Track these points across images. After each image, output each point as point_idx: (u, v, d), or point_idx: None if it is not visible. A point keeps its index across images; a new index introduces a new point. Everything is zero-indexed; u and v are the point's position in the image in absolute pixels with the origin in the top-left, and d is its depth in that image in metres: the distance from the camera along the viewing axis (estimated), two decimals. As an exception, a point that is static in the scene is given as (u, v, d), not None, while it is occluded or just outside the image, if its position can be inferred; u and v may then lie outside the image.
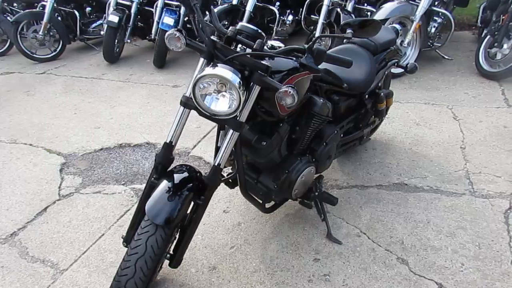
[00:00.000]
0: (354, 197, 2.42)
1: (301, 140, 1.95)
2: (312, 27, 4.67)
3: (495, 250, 1.99)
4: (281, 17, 5.08)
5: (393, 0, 4.06)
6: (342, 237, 2.12)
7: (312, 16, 4.74)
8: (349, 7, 4.39)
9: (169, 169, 1.63)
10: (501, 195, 2.37)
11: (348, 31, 1.52)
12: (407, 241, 2.08)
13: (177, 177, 1.56)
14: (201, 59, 1.56)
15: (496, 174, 2.56)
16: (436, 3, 4.23)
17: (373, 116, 2.54)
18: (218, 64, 1.44)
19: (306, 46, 1.57)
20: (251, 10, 4.60)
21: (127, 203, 2.43)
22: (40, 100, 4.03)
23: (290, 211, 2.32)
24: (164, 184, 1.52)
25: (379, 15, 3.90)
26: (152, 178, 1.62)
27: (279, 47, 1.64)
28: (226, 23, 4.67)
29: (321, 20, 4.24)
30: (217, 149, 1.83)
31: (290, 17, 5.18)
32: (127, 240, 1.73)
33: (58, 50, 5.23)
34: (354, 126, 2.45)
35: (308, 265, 1.97)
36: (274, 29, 5.00)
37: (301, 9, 4.91)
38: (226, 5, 4.65)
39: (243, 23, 1.54)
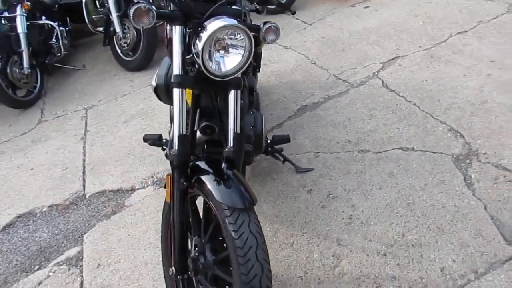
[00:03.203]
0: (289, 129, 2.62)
1: (248, 93, 1.97)
2: (100, 28, 4.36)
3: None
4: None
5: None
6: (307, 163, 2.31)
7: (94, 17, 4.41)
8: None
9: (191, 163, 1.44)
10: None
11: None
12: (350, 137, 2.44)
13: (209, 164, 1.41)
14: (177, 29, 1.38)
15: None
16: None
17: None
18: (213, 19, 1.31)
19: None
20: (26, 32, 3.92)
21: None
22: None
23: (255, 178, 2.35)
24: (209, 178, 1.35)
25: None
26: (182, 182, 1.40)
27: None
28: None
29: (114, 13, 4.00)
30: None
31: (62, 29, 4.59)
32: (181, 269, 1.45)
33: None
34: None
35: (303, 197, 2.11)
36: (61, 45, 4.40)
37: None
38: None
39: None
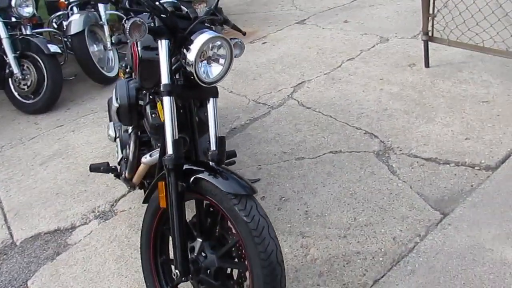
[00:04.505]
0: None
1: None
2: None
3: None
4: None
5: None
6: (253, 176, 2.50)
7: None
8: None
9: (185, 167, 1.50)
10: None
11: None
12: (284, 149, 2.71)
13: (200, 165, 1.51)
14: (163, 42, 1.48)
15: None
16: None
17: None
18: (198, 33, 1.46)
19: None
20: None
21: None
22: None
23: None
24: (207, 175, 1.45)
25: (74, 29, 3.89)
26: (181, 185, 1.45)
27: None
28: None
29: (11, 54, 3.73)
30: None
31: None
32: (185, 271, 1.47)
33: None
34: None
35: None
36: None
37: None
38: None
39: None
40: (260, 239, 1.33)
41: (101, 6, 4.13)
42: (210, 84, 1.53)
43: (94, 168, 2.27)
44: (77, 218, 2.46)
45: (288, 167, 2.53)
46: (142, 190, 2.26)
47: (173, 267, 1.52)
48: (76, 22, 3.87)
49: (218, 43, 1.49)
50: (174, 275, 1.48)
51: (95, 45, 4.19)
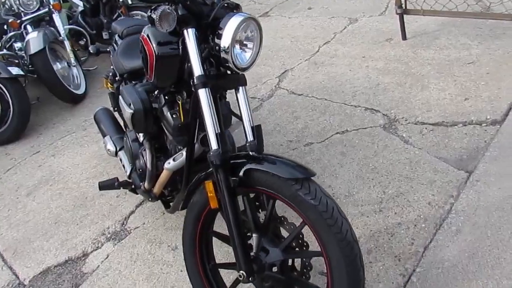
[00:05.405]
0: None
1: None
2: None
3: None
4: None
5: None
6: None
7: None
8: None
9: (233, 161, 1.40)
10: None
11: None
12: (289, 137, 2.65)
13: (246, 157, 1.42)
14: (190, 31, 1.37)
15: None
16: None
17: None
18: (230, 15, 1.36)
19: None
20: None
21: None
22: None
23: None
24: (258, 165, 1.36)
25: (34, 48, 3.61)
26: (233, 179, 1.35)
27: None
28: None
29: None
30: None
31: None
32: (251, 271, 1.37)
33: None
34: None
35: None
36: None
37: None
38: None
39: None
40: (333, 220, 1.27)
41: (58, 21, 3.88)
42: (244, 69, 1.44)
43: (104, 186, 2.10)
44: (88, 244, 2.26)
45: (299, 154, 2.48)
46: (155, 201, 2.12)
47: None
48: (35, 40, 3.59)
49: (250, 25, 1.41)
50: (240, 276, 1.38)
51: (58, 63, 3.92)
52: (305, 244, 1.46)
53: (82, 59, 4.33)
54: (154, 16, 1.31)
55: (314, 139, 2.58)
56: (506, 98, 2.42)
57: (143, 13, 4.28)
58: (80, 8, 4.74)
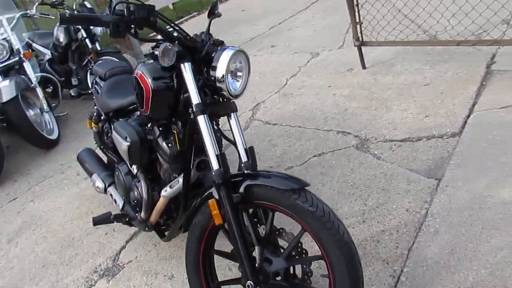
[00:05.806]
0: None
1: None
2: None
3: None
4: None
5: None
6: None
7: None
8: None
9: (233, 179, 1.52)
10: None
11: None
12: (269, 163, 2.79)
13: (244, 175, 1.54)
14: (187, 65, 1.52)
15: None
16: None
17: None
18: (223, 49, 1.52)
19: None
20: None
21: None
22: None
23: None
24: (255, 181, 1.48)
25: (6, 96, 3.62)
26: (234, 196, 1.46)
27: None
28: None
29: None
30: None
31: None
32: (258, 281, 1.46)
33: None
34: None
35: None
36: None
37: None
38: None
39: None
40: (330, 224, 1.40)
41: (29, 69, 3.93)
42: (237, 96, 1.61)
43: (98, 221, 2.14)
44: (80, 283, 2.25)
45: (281, 178, 2.61)
46: (151, 231, 2.17)
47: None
48: (7, 88, 3.61)
49: (239, 57, 1.58)
50: (248, 287, 1.46)
51: (30, 110, 3.93)
52: (304, 251, 1.57)
53: (52, 105, 4.36)
54: (157, 52, 1.46)
55: (294, 163, 2.74)
56: (460, 113, 2.70)
57: (113, 59, 4.40)
58: (48, 56, 4.82)
